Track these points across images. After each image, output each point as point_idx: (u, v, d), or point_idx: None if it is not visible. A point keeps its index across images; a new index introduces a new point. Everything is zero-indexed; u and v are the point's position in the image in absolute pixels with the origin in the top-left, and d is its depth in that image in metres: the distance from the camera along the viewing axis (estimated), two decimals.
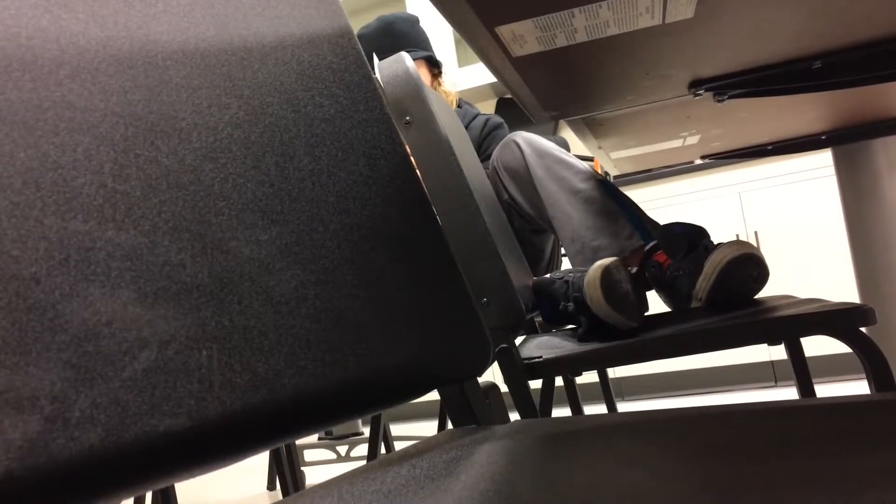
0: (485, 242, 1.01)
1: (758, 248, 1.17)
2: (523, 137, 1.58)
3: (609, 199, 1.42)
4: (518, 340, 1.29)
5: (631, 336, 1.04)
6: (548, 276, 1.23)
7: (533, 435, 0.49)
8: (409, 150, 1.04)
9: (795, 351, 1.29)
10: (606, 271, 1.08)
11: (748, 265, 1.16)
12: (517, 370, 1.01)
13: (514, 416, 0.94)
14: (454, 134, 1.14)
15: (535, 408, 1.00)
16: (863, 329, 0.94)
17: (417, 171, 1.04)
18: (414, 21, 1.95)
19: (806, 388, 1.28)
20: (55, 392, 0.31)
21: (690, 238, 1.26)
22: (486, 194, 1.32)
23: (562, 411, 2.67)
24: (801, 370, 1.28)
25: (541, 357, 1.01)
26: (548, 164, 1.51)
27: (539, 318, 1.42)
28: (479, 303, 1.01)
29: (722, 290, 1.17)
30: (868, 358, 0.93)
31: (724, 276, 1.15)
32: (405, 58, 1.06)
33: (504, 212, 1.66)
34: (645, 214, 1.44)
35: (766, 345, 2.81)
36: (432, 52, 1.98)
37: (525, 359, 1.02)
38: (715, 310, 1.14)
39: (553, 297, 1.19)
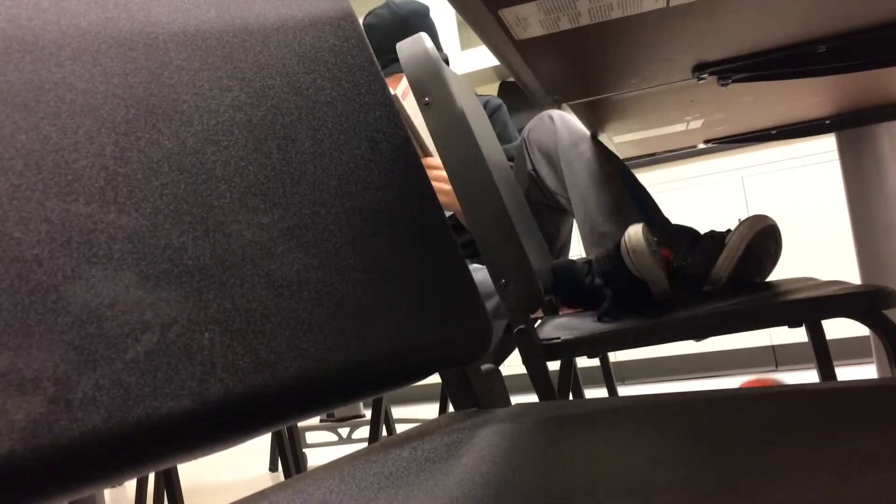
0: (504, 223, 1.01)
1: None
2: (558, 114, 1.59)
3: (624, 187, 1.43)
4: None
5: (651, 316, 1.04)
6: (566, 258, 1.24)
7: (534, 418, 0.49)
8: (429, 129, 1.05)
9: (816, 333, 1.29)
10: (646, 230, 1.09)
11: (769, 240, 1.17)
12: (535, 351, 1.01)
13: (534, 398, 0.95)
14: (473, 115, 1.13)
15: (554, 389, 1.01)
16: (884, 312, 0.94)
17: (438, 150, 1.04)
18: (426, 14, 1.93)
19: (827, 371, 1.28)
20: (58, 374, 0.31)
21: (693, 233, 1.27)
22: (505, 175, 1.32)
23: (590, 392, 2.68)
24: (823, 353, 1.28)
25: (559, 338, 1.02)
26: (576, 141, 1.52)
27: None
28: (498, 283, 1.01)
29: (746, 266, 1.16)
30: (890, 340, 0.93)
31: (751, 250, 1.15)
32: (424, 38, 1.06)
33: (526, 184, 1.66)
34: (658, 208, 1.44)
35: (766, 329, 2.81)
36: (441, 48, 1.97)
37: (543, 340, 1.02)
38: (733, 293, 1.14)
39: (575, 278, 1.20)
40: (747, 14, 0.78)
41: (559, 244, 1.80)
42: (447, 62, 1.98)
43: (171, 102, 0.43)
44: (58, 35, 0.38)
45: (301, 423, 2.35)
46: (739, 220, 1.19)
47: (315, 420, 2.53)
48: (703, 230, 1.30)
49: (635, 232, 1.09)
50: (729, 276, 1.18)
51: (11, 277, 0.31)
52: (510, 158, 1.87)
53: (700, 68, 0.99)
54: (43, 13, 0.38)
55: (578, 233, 1.52)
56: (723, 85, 1.02)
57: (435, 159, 1.65)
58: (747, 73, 0.99)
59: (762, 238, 1.16)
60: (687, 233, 1.29)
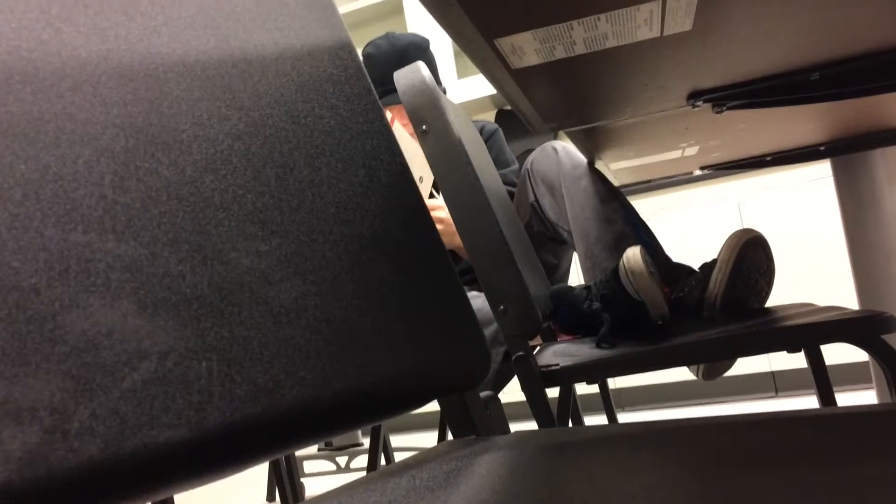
0: (502, 250, 1.01)
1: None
2: (562, 146, 1.60)
3: (626, 225, 1.43)
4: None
5: (650, 342, 1.04)
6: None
7: (533, 446, 0.49)
8: (426, 157, 1.05)
9: (816, 359, 1.29)
10: (644, 252, 1.09)
11: (758, 251, 1.17)
12: (534, 378, 1.00)
13: (533, 425, 0.94)
14: (471, 143, 1.14)
15: (553, 416, 1.00)
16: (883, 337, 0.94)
17: (436, 178, 1.04)
18: (425, 47, 1.94)
19: (826, 397, 1.28)
20: (55, 403, 0.31)
21: (690, 270, 1.28)
22: (503, 203, 1.33)
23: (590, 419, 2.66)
24: (822, 378, 1.28)
25: (558, 365, 1.01)
26: (579, 175, 1.53)
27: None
28: (497, 310, 1.01)
29: (739, 279, 1.17)
30: (889, 365, 0.93)
31: (741, 261, 1.16)
32: (421, 67, 1.07)
33: (528, 214, 1.67)
34: (659, 245, 1.45)
35: (766, 355, 2.81)
36: (439, 80, 1.98)
37: (542, 366, 1.02)
38: (731, 318, 1.14)
39: (573, 304, 1.20)
40: (740, 42, 0.79)
41: (559, 274, 1.80)
42: (444, 94, 1.99)
43: (170, 132, 0.43)
44: (58, 66, 0.38)
45: (299, 452, 2.33)
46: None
47: (313, 449, 2.51)
48: (699, 255, 1.31)
49: (633, 254, 1.09)
50: (724, 291, 1.18)
51: (9, 306, 0.31)
52: (507, 183, 1.88)
53: (695, 96, 1.00)
54: (44, 45, 0.38)
55: (578, 263, 1.52)
56: (717, 112, 1.03)
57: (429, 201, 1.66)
58: (741, 100, 1.00)
59: (751, 248, 1.17)
60: (685, 270, 1.30)
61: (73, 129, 0.37)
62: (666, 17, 0.67)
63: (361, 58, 1.93)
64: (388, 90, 1.82)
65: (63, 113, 0.37)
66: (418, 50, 1.90)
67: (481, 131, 1.99)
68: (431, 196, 1.83)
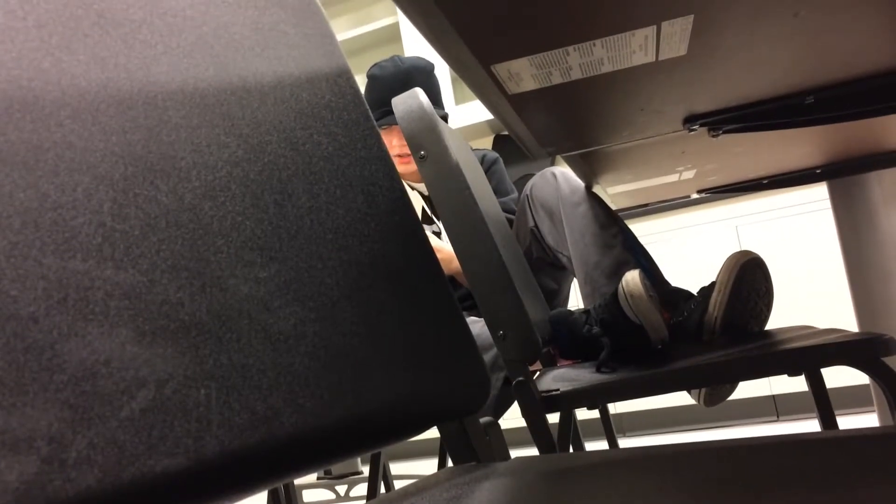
0: (501, 275, 1.01)
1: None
2: (560, 172, 1.61)
3: (626, 250, 1.44)
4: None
5: (650, 366, 1.03)
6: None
7: (534, 472, 0.48)
8: (425, 183, 1.06)
9: (816, 382, 1.29)
10: (643, 276, 1.09)
11: (757, 273, 1.17)
12: (535, 403, 1.00)
13: (534, 451, 0.94)
14: (469, 168, 1.15)
15: (554, 441, 0.99)
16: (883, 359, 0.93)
17: (434, 204, 1.05)
18: (430, 71, 1.95)
19: (828, 420, 1.27)
20: (52, 433, 0.31)
21: (689, 295, 1.28)
22: (502, 228, 1.33)
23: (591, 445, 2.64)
24: (823, 401, 1.27)
25: (558, 390, 1.01)
26: (578, 200, 1.53)
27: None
28: (496, 335, 1.01)
29: (738, 302, 1.16)
30: (890, 388, 0.92)
31: (740, 283, 1.15)
32: (419, 93, 1.08)
33: (528, 240, 1.67)
34: (659, 271, 1.45)
35: (766, 379, 2.80)
36: (442, 105, 1.99)
37: (542, 391, 1.01)
38: (731, 341, 1.13)
39: (572, 328, 1.19)
40: (735, 67, 0.79)
41: (559, 300, 1.80)
42: (446, 119, 2.00)
43: (169, 159, 0.43)
44: (58, 94, 0.38)
45: (298, 481, 2.31)
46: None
47: (312, 478, 2.49)
48: (698, 278, 1.31)
49: (633, 277, 1.09)
50: (723, 313, 1.18)
51: (7, 335, 0.31)
52: (507, 211, 1.88)
53: (690, 120, 1.00)
54: (44, 73, 0.38)
55: (578, 289, 1.52)
56: (713, 136, 1.03)
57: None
58: (737, 124, 1.00)
59: (749, 270, 1.17)
60: (684, 295, 1.29)
61: (73, 157, 0.38)
62: (661, 43, 0.68)
63: (366, 79, 1.94)
64: (390, 111, 1.83)
65: (62, 141, 0.38)
66: (422, 73, 1.91)
67: (482, 160, 2.00)
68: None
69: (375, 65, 1.92)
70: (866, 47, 0.79)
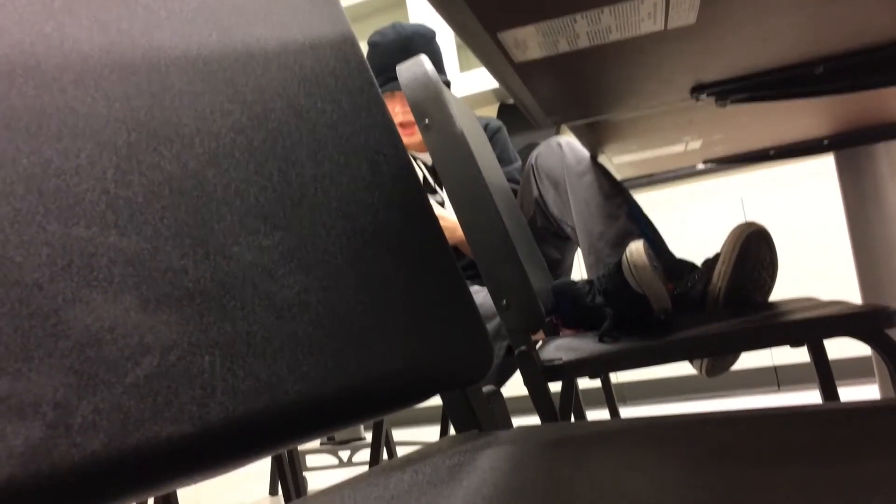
0: (504, 244, 1.01)
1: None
2: (566, 142, 1.59)
3: (630, 221, 1.43)
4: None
5: (653, 336, 1.03)
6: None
7: (536, 440, 0.49)
8: (429, 151, 1.05)
9: (819, 353, 1.29)
10: (646, 245, 1.09)
11: (761, 244, 1.17)
12: (537, 373, 1.00)
13: (536, 420, 0.94)
14: (473, 137, 1.14)
15: (556, 411, 1.00)
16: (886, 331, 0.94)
17: (438, 172, 1.04)
18: (430, 37, 1.92)
19: (829, 391, 1.28)
20: (57, 398, 0.31)
21: (693, 265, 1.28)
22: (506, 197, 1.32)
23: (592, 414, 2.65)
24: (825, 373, 1.28)
25: (560, 359, 1.01)
26: (583, 170, 1.52)
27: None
28: (499, 305, 1.01)
29: (743, 273, 1.16)
30: (892, 360, 0.93)
31: (744, 254, 1.15)
32: (424, 60, 1.07)
33: (532, 210, 1.67)
34: (663, 241, 1.45)
35: (768, 350, 2.80)
36: (444, 71, 1.97)
37: (545, 361, 1.02)
38: (735, 312, 1.13)
39: (575, 298, 1.19)
40: (744, 36, 0.78)
41: (563, 269, 1.80)
42: (449, 86, 1.99)
43: (173, 126, 0.43)
44: (60, 60, 0.38)
45: (301, 447, 2.34)
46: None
47: (315, 443, 2.51)
48: (703, 249, 1.31)
49: (637, 248, 1.09)
50: (727, 284, 1.17)
51: (11, 302, 0.31)
52: (510, 180, 1.87)
53: (698, 89, 0.99)
54: (46, 38, 0.38)
55: (581, 259, 1.52)
56: (721, 105, 1.02)
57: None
58: (745, 93, 0.99)
59: (754, 241, 1.16)
60: (687, 266, 1.29)
61: (76, 123, 0.37)
62: (670, 11, 0.67)
63: (367, 47, 1.92)
64: (391, 77, 1.81)
65: (65, 107, 0.37)
66: (423, 40, 1.89)
67: (485, 128, 1.99)
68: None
69: (376, 32, 1.90)
70: (877, 16, 0.78)
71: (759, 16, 0.72)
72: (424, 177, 1.95)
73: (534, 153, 1.67)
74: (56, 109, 0.37)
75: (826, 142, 1.66)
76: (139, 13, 0.44)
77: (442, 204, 1.92)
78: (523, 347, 1.01)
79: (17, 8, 0.37)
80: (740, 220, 2.89)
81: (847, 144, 1.66)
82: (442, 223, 1.68)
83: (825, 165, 2.80)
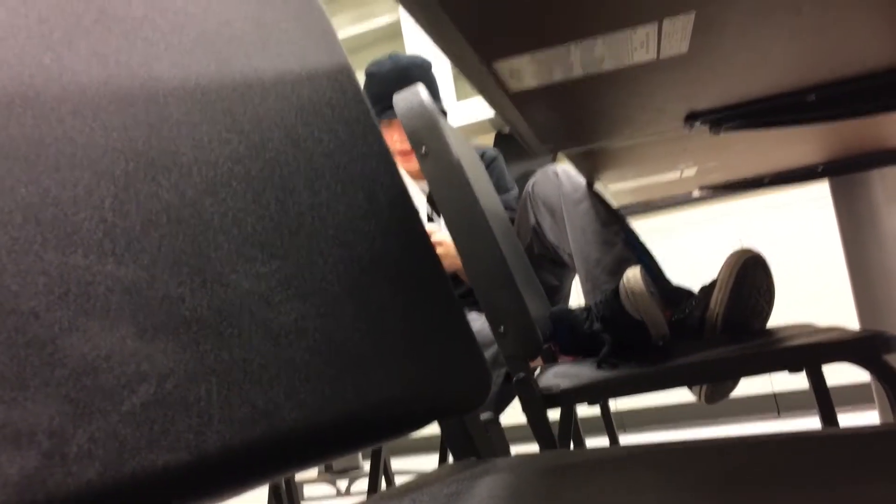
0: (502, 271, 1.01)
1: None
2: (563, 170, 1.61)
3: (627, 248, 1.44)
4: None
5: (651, 363, 1.03)
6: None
7: (534, 468, 0.48)
8: (426, 180, 1.05)
9: (817, 379, 1.29)
10: (643, 272, 1.09)
11: (758, 270, 1.17)
12: (535, 400, 1.00)
13: (534, 447, 0.94)
14: (470, 165, 1.15)
15: (555, 438, 0.99)
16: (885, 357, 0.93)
17: (435, 200, 1.05)
18: (427, 67, 1.94)
19: (829, 417, 1.27)
20: (53, 427, 0.31)
21: (691, 293, 1.28)
22: (503, 224, 1.33)
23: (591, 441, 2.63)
24: (824, 399, 1.27)
25: (559, 386, 1.01)
26: (580, 198, 1.53)
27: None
28: (497, 332, 1.01)
29: (740, 299, 1.16)
30: (891, 385, 0.92)
31: (741, 280, 1.15)
32: (420, 89, 1.08)
33: (529, 237, 1.67)
34: (660, 269, 1.45)
35: (768, 376, 2.79)
36: (441, 100, 1.98)
37: (543, 388, 1.01)
38: (733, 339, 1.13)
39: (573, 325, 1.19)
40: (736, 65, 0.79)
41: (561, 296, 1.80)
42: (446, 115, 2.00)
43: (171, 155, 0.43)
44: (59, 91, 0.39)
45: (299, 476, 2.31)
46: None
47: (313, 473, 2.49)
48: (699, 275, 1.31)
49: (634, 274, 1.09)
50: (724, 311, 1.17)
51: (8, 330, 0.31)
52: (508, 208, 1.88)
53: (692, 118, 1.00)
54: (45, 70, 0.38)
55: (579, 286, 1.52)
56: (714, 134, 1.03)
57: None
58: (738, 121, 1.00)
59: (750, 267, 1.16)
60: (685, 293, 1.29)
61: (74, 152, 0.38)
62: (662, 41, 0.68)
63: (364, 77, 1.93)
64: (389, 106, 1.83)
65: (64, 137, 0.38)
66: (420, 70, 1.91)
67: (482, 157, 2.00)
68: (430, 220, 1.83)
69: (373, 62, 1.92)
70: (869, 44, 0.79)
71: (750, 45, 0.73)
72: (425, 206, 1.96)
73: (530, 181, 1.68)
74: (54, 139, 0.37)
75: (821, 168, 1.67)
76: (138, 45, 0.44)
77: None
78: (521, 374, 1.00)
79: (17, 40, 0.38)
80: (737, 247, 2.90)
81: (842, 171, 1.67)
82: (441, 249, 1.68)
83: (821, 192, 2.81)
